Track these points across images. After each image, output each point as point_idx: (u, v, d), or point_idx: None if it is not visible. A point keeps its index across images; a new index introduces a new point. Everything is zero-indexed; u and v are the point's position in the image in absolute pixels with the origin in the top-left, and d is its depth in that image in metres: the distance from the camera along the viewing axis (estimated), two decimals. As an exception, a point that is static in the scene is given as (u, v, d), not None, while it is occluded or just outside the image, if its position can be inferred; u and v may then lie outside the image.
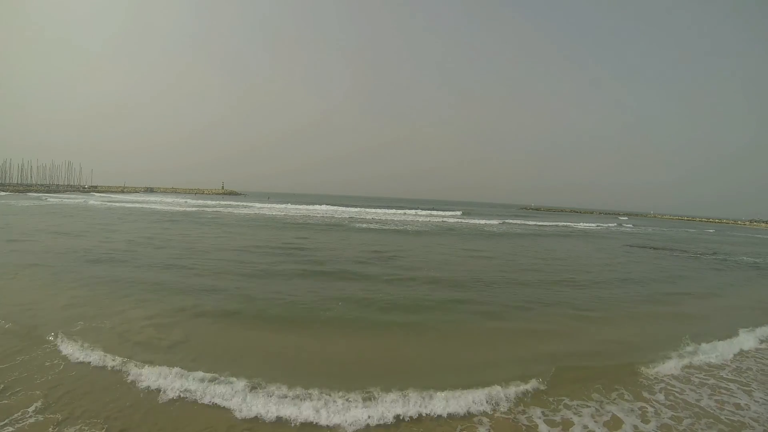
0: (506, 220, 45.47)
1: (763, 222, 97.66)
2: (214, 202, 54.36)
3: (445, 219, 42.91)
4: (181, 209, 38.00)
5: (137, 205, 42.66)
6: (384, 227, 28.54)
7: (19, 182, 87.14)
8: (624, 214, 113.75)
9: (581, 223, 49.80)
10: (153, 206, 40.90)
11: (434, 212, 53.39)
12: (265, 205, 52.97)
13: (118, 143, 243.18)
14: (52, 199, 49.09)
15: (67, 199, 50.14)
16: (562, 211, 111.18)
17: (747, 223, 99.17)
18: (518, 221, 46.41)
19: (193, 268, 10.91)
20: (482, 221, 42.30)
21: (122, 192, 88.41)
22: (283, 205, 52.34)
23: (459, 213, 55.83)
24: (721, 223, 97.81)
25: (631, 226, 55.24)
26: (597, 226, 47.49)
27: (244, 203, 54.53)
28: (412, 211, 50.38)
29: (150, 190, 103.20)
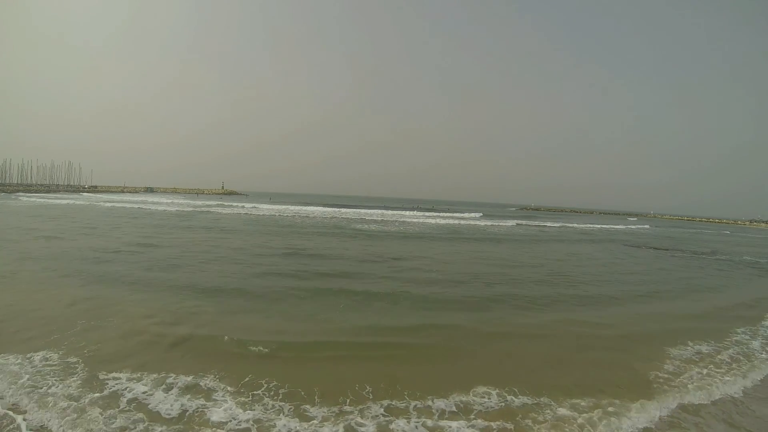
0: (519, 222, 45.72)
1: (763, 222, 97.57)
2: (213, 203, 53.57)
3: (461, 221, 42.47)
4: (176, 209, 36.97)
5: (131, 205, 41.33)
6: (397, 230, 27.89)
7: (19, 182, 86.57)
8: (625, 214, 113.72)
9: (596, 225, 49.21)
10: (150, 206, 39.75)
11: (448, 214, 53.53)
12: (266, 205, 52.85)
13: (119, 143, 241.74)
14: (30, 198, 46.61)
15: (53, 199, 47.31)
16: (562, 211, 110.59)
17: (747, 223, 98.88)
18: (530, 222, 46.17)
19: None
20: (496, 223, 42.22)
21: (122, 192, 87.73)
22: (284, 206, 51.84)
23: (479, 215, 55.84)
24: (722, 223, 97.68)
25: (647, 226, 55.09)
26: (615, 227, 46.75)
27: (245, 204, 53.71)
28: (410, 212, 49.49)
29: (150, 190, 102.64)
